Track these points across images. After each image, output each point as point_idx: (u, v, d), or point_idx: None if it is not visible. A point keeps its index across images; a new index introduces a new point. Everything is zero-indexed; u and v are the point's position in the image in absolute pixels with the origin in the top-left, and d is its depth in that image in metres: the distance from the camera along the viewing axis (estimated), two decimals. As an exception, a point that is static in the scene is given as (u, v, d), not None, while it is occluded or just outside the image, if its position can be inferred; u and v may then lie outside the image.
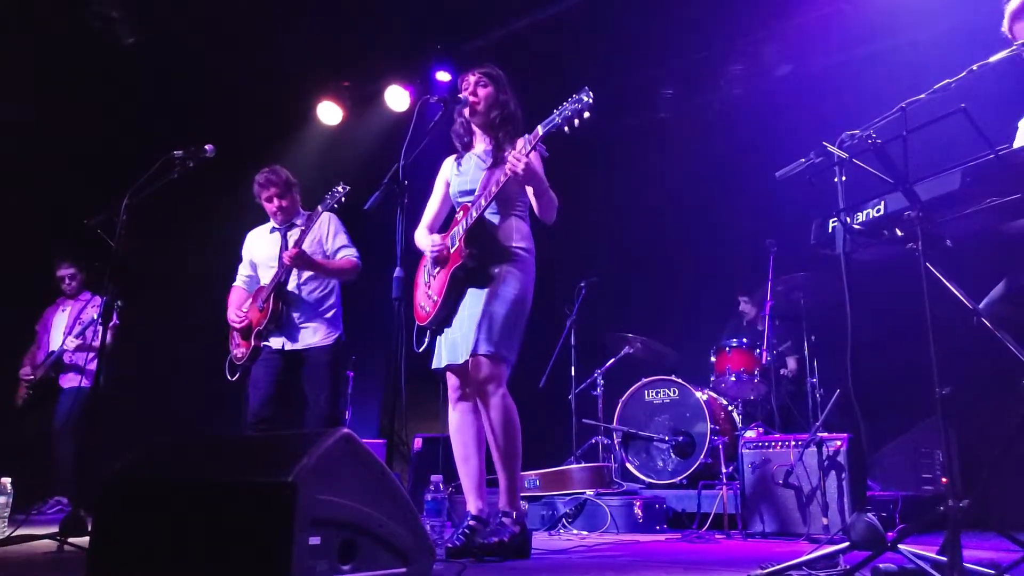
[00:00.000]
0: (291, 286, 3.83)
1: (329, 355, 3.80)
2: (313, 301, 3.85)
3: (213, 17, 5.59)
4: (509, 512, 2.77)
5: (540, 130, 2.69)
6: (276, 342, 3.80)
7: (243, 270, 4.08)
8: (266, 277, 3.90)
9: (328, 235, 3.91)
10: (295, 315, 3.81)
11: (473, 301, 2.86)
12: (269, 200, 3.90)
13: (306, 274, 3.83)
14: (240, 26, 5.74)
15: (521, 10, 5.73)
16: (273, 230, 3.99)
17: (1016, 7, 2.44)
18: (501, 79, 3.05)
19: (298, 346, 3.80)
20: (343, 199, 3.65)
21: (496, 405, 2.78)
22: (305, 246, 3.73)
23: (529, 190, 2.95)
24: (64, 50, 5.50)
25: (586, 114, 2.59)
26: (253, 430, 3.71)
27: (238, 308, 3.93)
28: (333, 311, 3.91)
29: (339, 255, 3.89)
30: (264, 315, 3.77)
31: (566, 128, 2.62)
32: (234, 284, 4.09)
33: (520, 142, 2.84)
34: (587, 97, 2.59)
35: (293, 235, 3.83)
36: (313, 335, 3.81)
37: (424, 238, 3.10)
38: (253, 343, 3.78)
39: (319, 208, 3.72)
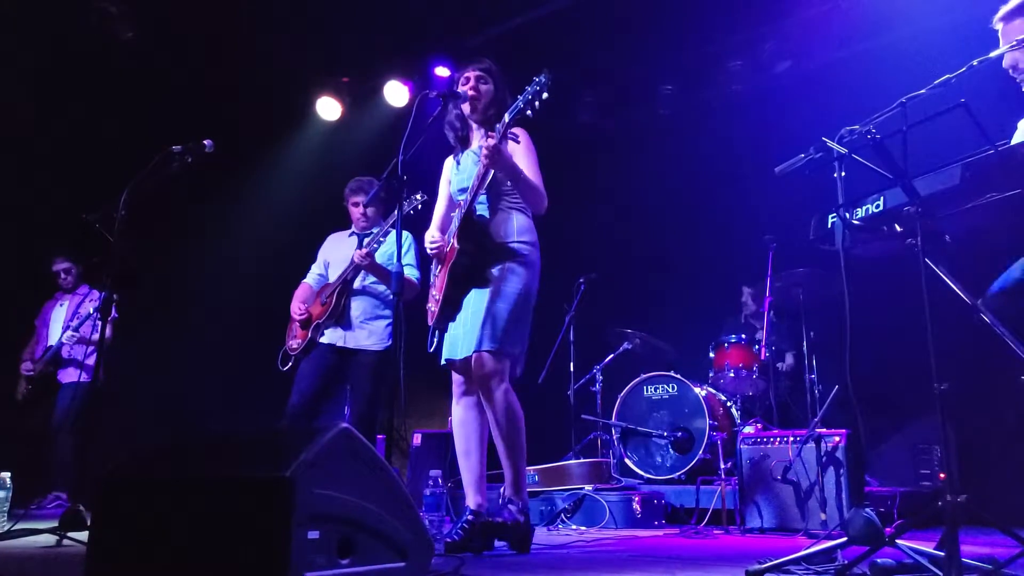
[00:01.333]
0: (356, 285, 3.98)
1: (376, 359, 3.92)
2: (373, 306, 3.99)
3: (212, 12, 5.58)
4: (515, 501, 2.79)
5: (506, 117, 2.78)
6: (331, 335, 3.93)
7: (315, 268, 4.24)
8: (335, 275, 4.05)
9: (402, 251, 3.99)
10: (355, 314, 3.95)
11: (477, 299, 2.87)
12: (356, 205, 4.08)
13: (371, 279, 3.98)
14: (239, 22, 5.72)
15: (521, 5, 5.72)
16: (352, 234, 4.16)
17: (1006, 11, 2.44)
18: (499, 76, 3.06)
19: (350, 344, 3.92)
20: (420, 206, 3.73)
21: (499, 400, 2.79)
22: (379, 254, 3.90)
23: None
24: (62, 45, 5.48)
25: (544, 94, 2.69)
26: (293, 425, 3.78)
27: (301, 302, 4.07)
28: (389, 320, 4.01)
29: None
30: (326, 309, 3.91)
31: (528, 111, 2.72)
32: (304, 280, 4.23)
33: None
34: (544, 78, 2.69)
35: (369, 240, 3.97)
36: (367, 337, 3.94)
37: (427, 240, 3.11)
38: (310, 335, 3.92)
39: (395, 213, 3.80)
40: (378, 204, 4.06)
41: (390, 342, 3.97)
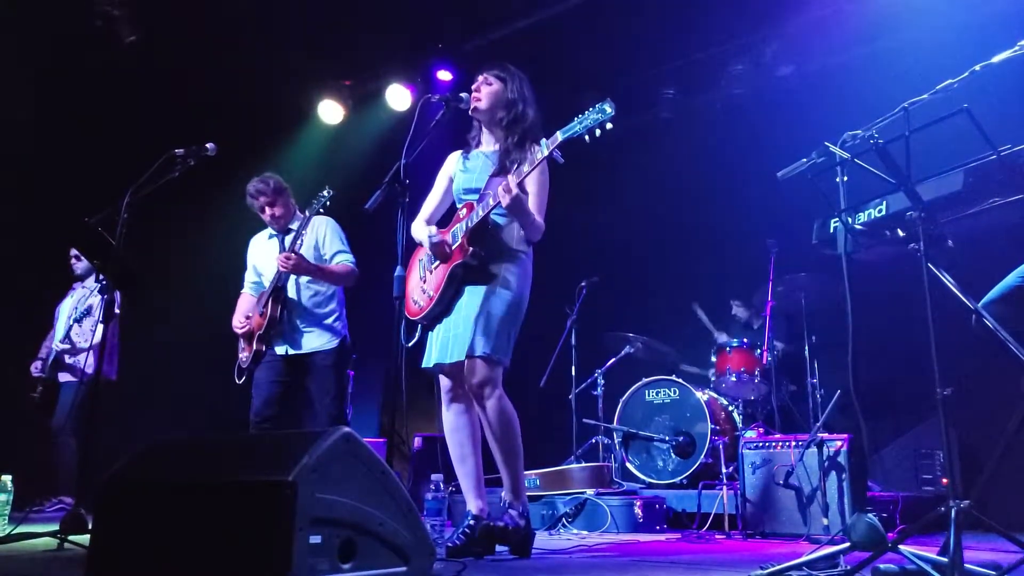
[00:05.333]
0: (291, 291, 3.84)
1: (333, 358, 3.81)
2: (313, 305, 3.85)
3: (214, 15, 5.59)
4: (516, 505, 2.78)
5: (559, 136, 2.65)
6: (280, 349, 3.81)
7: (249, 276, 4.09)
8: (268, 282, 3.91)
9: (324, 239, 3.91)
10: (297, 320, 3.82)
11: (470, 300, 2.83)
12: (262, 209, 3.92)
13: (304, 278, 3.83)
14: (241, 25, 5.74)
15: (523, 9, 5.72)
16: (271, 236, 4.01)
17: None
18: (514, 80, 2.99)
19: (301, 351, 3.81)
20: (328, 203, 3.69)
21: (493, 407, 2.76)
22: (303, 250, 3.75)
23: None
24: (65, 47, 5.50)
25: (608, 125, 2.55)
26: (256, 429, 3.73)
27: (243, 314, 3.94)
28: (335, 315, 3.91)
29: (335, 260, 3.88)
30: (264, 319, 3.76)
31: (587, 137, 2.60)
32: (243, 291, 4.10)
33: (525, 167, 2.76)
34: (609, 108, 2.54)
35: (290, 240, 3.82)
36: (317, 339, 3.82)
37: (422, 230, 3.05)
38: (255, 347, 3.79)
39: (307, 212, 3.76)
40: (282, 201, 3.90)
41: (342, 336, 3.88)
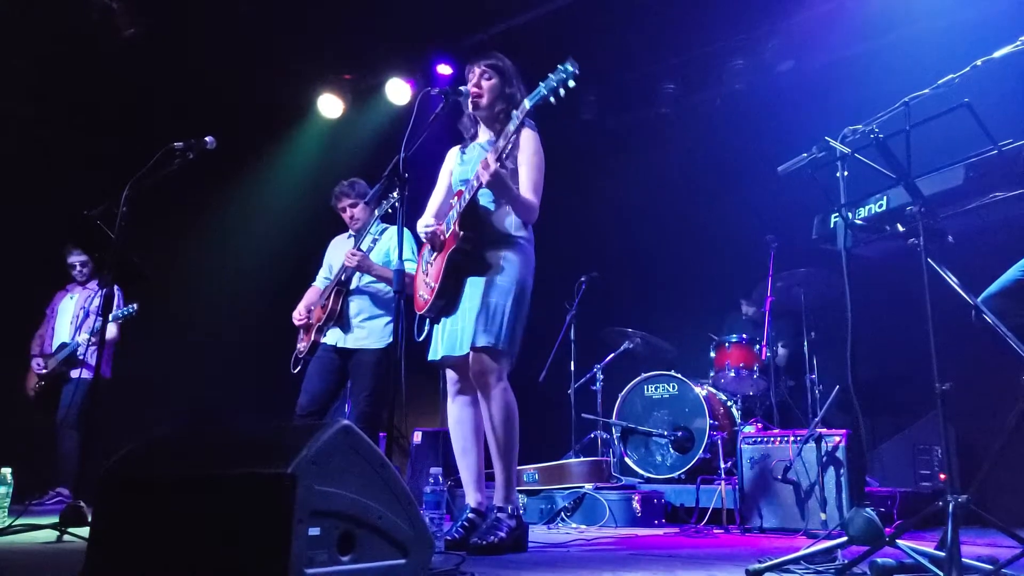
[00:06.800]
0: (354, 285, 4.02)
1: (375, 358, 3.91)
2: (372, 304, 3.99)
3: (213, 9, 5.57)
4: (504, 507, 2.77)
5: (527, 104, 2.70)
6: (332, 336, 3.97)
7: (322, 272, 4.28)
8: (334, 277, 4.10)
9: (397, 246, 4.02)
10: (353, 314, 3.98)
11: (472, 292, 2.83)
12: (343, 210, 4.13)
13: (367, 278, 3.99)
14: (241, 18, 5.72)
15: (523, 4, 5.71)
16: (349, 236, 4.20)
17: None
18: (508, 71, 2.99)
19: (349, 344, 3.94)
20: (396, 205, 3.75)
21: (497, 398, 2.76)
22: (373, 254, 3.92)
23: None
24: (64, 41, 5.48)
25: (571, 83, 2.61)
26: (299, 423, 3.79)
27: (306, 307, 4.12)
28: (389, 318, 3.99)
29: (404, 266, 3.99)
30: (324, 311, 3.95)
31: (552, 98, 2.65)
32: (313, 284, 4.27)
33: (500, 142, 2.76)
34: (571, 66, 2.61)
35: (366, 242, 3.98)
36: (366, 338, 3.95)
37: (422, 224, 3.08)
38: (313, 337, 3.98)
39: (376, 213, 3.92)
40: (370, 202, 4.06)
41: (391, 339, 3.97)
